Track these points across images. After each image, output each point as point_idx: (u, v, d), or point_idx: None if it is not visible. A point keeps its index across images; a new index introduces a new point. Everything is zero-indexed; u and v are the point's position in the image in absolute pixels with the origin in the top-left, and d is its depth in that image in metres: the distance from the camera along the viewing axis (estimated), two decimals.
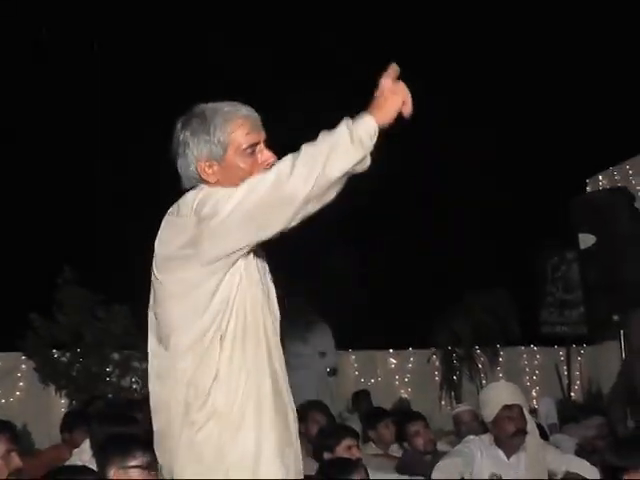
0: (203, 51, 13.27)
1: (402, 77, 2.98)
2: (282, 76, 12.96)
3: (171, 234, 3.03)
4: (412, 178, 13.38)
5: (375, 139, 2.93)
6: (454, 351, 11.94)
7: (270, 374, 3.03)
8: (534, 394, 12.20)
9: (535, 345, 12.88)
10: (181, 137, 3.10)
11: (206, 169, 3.08)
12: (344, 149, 2.86)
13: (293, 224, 2.91)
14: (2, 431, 4.34)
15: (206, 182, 3.08)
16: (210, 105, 3.12)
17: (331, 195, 2.90)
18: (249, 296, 3.03)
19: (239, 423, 2.95)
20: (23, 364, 10.57)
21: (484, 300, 11.98)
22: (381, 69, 2.98)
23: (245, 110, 3.11)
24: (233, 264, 2.97)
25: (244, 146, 3.07)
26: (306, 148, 2.88)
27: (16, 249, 12.53)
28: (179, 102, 3.26)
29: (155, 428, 3.09)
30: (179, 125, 3.13)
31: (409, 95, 3.00)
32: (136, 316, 10.25)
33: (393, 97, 2.98)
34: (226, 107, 3.10)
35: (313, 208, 2.89)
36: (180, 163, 3.13)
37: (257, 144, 3.09)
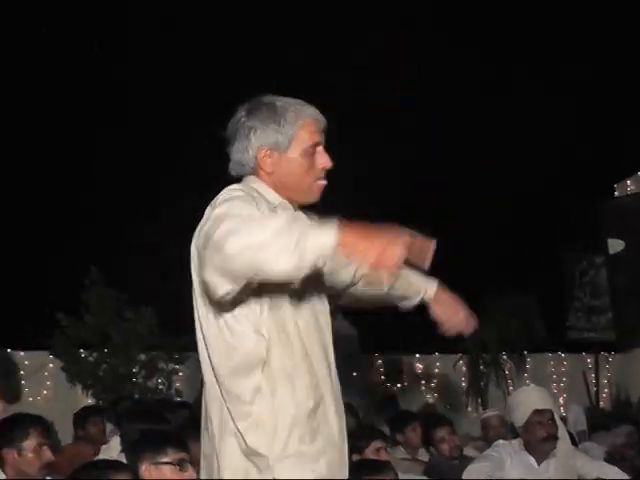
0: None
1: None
2: None
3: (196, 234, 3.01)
4: (438, 180, 13.36)
5: (323, 261, 2.72)
6: (480, 356, 11.86)
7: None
8: (561, 401, 12.10)
9: (562, 351, 12.78)
10: (246, 122, 3.12)
11: (266, 157, 3.11)
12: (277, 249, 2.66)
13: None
14: (34, 425, 4.37)
15: (260, 170, 3.12)
16: (280, 98, 3.16)
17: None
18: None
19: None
20: (50, 363, 10.61)
21: (510, 305, 11.88)
22: None
23: (313, 110, 3.17)
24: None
25: (308, 143, 3.12)
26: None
27: (44, 249, 12.59)
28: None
29: None
30: (244, 111, 3.15)
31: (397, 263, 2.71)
32: (162, 317, 10.30)
33: (389, 245, 2.69)
34: (297, 104, 3.15)
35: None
36: (237, 147, 3.15)
37: (318, 144, 3.14)
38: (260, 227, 2.68)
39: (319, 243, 2.65)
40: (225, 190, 3.02)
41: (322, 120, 3.17)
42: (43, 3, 13.23)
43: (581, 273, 12.43)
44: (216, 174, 3.27)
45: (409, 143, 13.21)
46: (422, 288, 3.53)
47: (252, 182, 3.13)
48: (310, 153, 3.11)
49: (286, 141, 3.09)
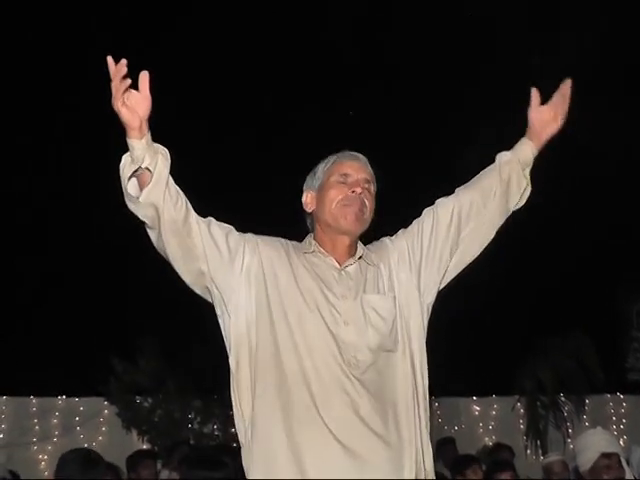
0: None
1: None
2: None
3: None
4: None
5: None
6: (538, 398, 11.71)
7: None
8: (621, 443, 11.87)
9: (621, 393, 12.57)
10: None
11: (307, 199, 3.34)
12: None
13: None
14: (108, 472, 4.38)
15: (307, 212, 3.34)
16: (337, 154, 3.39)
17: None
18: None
19: None
20: (106, 409, 10.64)
21: (567, 346, 11.75)
22: None
23: (354, 155, 3.33)
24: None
25: (334, 176, 3.25)
26: None
27: (99, 295, 12.67)
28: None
29: None
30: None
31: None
32: (216, 361, 10.27)
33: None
34: (344, 152, 3.36)
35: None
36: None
37: (348, 175, 3.24)
38: None
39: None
40: None
41: (357, 158, 3.31)
42: None
43: (638, 313, 12.28)
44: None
45: None
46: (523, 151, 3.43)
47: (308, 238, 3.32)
48: (340, 181, 3.24)
49: (319, 180, 3.29)
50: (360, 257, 3.21)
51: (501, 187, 3.31)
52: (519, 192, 3.36)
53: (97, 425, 10.68)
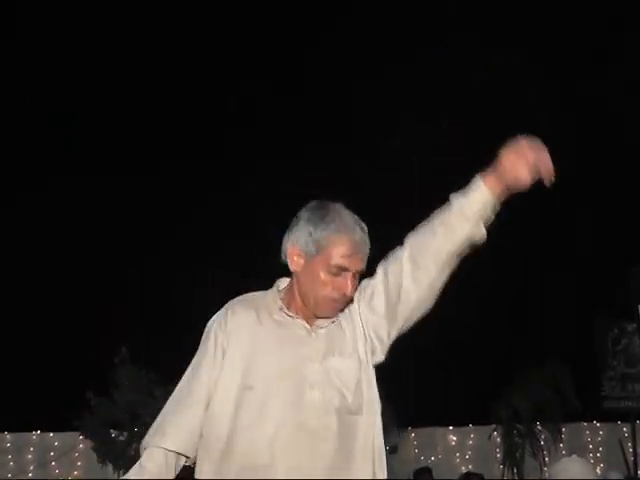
0: None
1: None
2: None
3: None
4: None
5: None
6: (515, 427, 11.72)
7: None
8: (598, 471, 11.88)
9: (598, 421, 12.59)
10: (300, 215, 3.10)
11: (294, 255, 3.08)
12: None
13: None
14: None
15: (289, 265, 3.10)
16: (340, 210, 3.08)
17: None
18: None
19: None
20: (81, 444, 10.57)
21: (543, 375, 11.77)
22: None
23: (359, 236, 3.05)
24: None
25: (332, 263, 3.02)
26: None
27: (72, 329, 12.60)
28: None
29: None
30: (309, 205, 3.12)
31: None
32: None
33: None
34: (348, 221, 3.05)
35: None
36: (285, 235, 3.12)
37: (346, 270, 3.03)
38: None
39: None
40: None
41: (364, 249, 3.06)
42: None
43: (613, 341, 12.32)
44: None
45: None
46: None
47: (280, 283, 3.20)
48: (333, 272, 3.02)
49: (314, 250, 3.04)
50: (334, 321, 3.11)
51: (454, 257, 3.08)
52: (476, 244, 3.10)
53: (72, 460, 10.61)
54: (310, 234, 3.03)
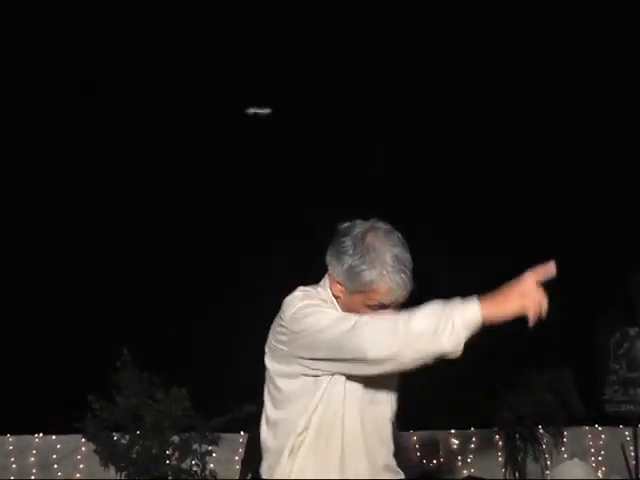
0: None
1: None
2: None
3: (274, 327, 3.18)
4: None
5: (472, 331, 2.91)
6: (517, 431, 11.70)
7: None
8: (600, 475, 11.89)
9: (600, 425, 12.57)
10: (342, 240, 3.10)
11: (335, 282, 3.15)
12: (427, 338, 2.84)
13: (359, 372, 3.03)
14: None
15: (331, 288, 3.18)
16: (384, 245, 3.05)
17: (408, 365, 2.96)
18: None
19: None
20: (83, 446, 10.55)
21: (546, 379, 11.76)
22: None
23: (402, 282, 3.06)
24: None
25: (372, 304, 3.08)
26: (404, 318, 2.87)
27: (75, 331, 12.61)
28: None
29: None
30: (354, 228, 3.10)
31: (542, 305, 2.97)
32: (194, 398, 10.24)
33: (520, 300, 2.96)
34: (391, 262, 3.03)
35: (376, 370, 2.98)
36: (330, 249, 3.16)
37: (387, 306, 3.09)
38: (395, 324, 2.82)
39: (468, 318, 2.86)
40: (292, 299, 3.15)
41: (404, 291, 3.08)
42: None
43: (615, 345, 12.30)
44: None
45: None
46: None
47: (326, 283, 3.24)
48: (374, 305, 3.09)
49: (354, 287, 3.07)
50: None
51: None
52: None
53: (74, 462, 10.59)
54: (349, 274, 3.05)
